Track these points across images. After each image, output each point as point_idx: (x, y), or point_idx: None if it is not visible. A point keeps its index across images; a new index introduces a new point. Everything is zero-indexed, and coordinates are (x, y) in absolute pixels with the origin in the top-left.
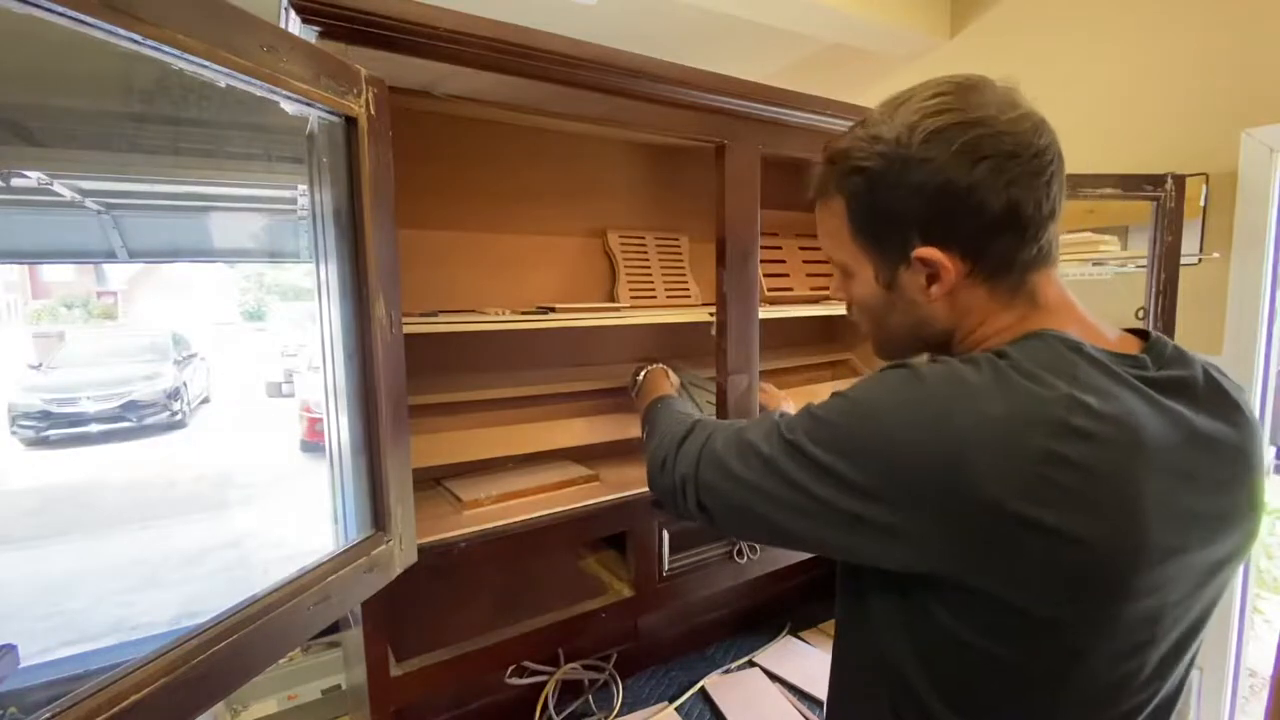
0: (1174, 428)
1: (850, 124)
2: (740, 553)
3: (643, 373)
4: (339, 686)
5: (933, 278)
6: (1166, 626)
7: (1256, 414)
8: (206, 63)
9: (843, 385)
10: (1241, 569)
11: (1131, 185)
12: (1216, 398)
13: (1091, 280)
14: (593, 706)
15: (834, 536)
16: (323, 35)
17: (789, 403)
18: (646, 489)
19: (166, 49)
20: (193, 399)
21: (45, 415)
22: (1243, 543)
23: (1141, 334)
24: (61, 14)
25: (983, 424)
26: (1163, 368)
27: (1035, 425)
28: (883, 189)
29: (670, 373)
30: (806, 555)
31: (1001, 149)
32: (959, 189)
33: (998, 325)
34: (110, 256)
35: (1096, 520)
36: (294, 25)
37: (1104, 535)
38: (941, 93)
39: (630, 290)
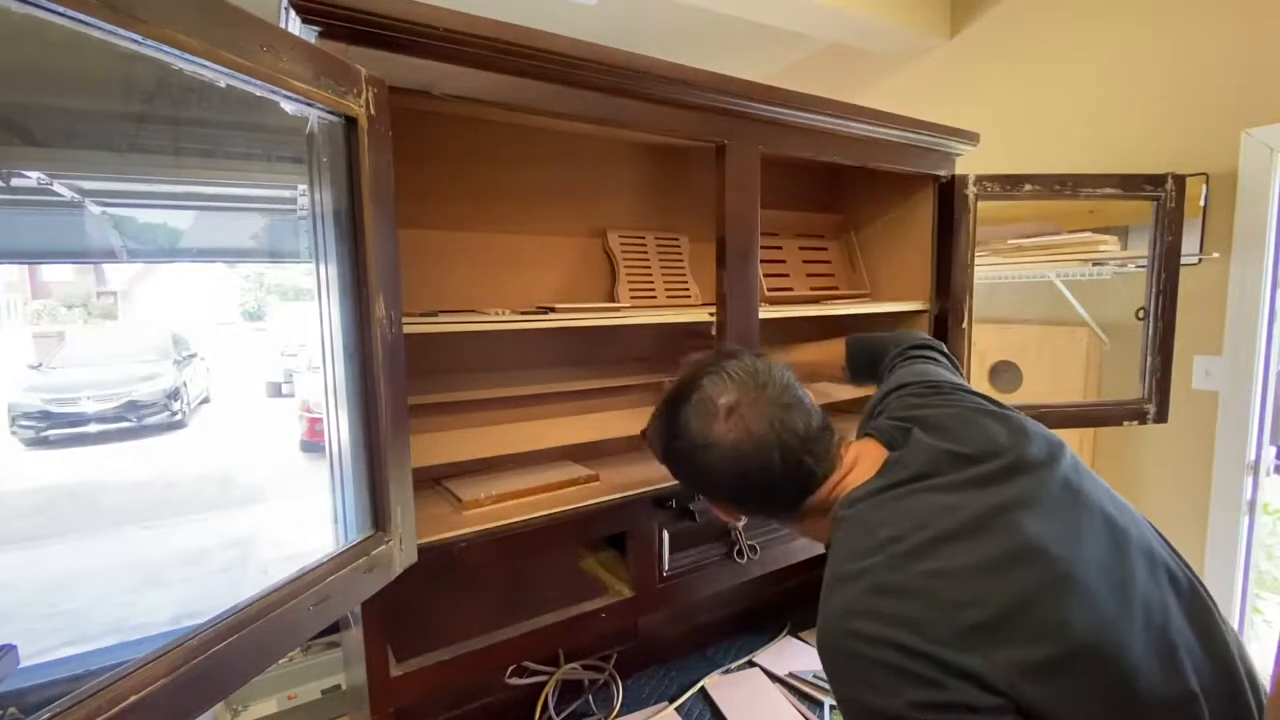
0: (966, 489)
1: (861, 126)
2: (740, 553)
3: None
4: (339, 686)
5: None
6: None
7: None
8: (206, 63)
9: None
10: (1241, 569)
11: (1132, 185)
12: (966, 453)
13: (1091, 280)
14: (593, 706)
15: None
16: (323, 35)
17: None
18: (646, 488)
19: (166, 49)
20: (193, 399)
21: (45, 415)
22: (1091, 487)
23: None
24: (61, 14)
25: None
26: (907, 465)
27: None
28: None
29: None
30: (806, 555)
31: (723, 446)
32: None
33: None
34: (110, 256)
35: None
36: (294, 25)
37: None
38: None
39: (630, 290)
